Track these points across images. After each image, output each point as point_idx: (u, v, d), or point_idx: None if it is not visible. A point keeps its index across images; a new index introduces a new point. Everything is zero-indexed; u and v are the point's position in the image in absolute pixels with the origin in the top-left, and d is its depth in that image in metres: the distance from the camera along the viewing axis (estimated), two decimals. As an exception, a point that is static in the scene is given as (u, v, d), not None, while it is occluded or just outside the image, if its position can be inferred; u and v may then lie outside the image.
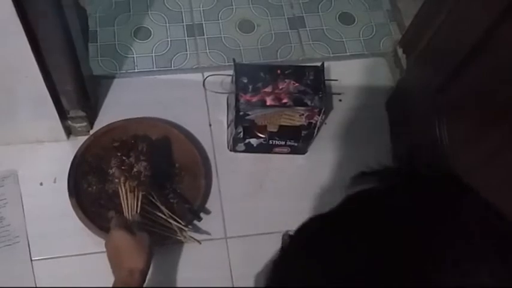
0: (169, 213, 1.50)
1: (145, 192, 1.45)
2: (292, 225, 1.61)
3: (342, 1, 2.07)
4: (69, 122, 1.64)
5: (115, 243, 1.28)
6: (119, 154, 1.50)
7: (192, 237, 1.51)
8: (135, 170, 1.46)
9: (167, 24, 1.95)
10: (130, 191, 1.42)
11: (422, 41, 1.70)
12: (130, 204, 1.40)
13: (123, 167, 1.47)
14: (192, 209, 1.56)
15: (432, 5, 1.65)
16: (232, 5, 2.01)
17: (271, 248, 1.56)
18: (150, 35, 1.92)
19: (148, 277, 1.46)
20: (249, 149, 1.69)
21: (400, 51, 1.85)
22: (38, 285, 1.49)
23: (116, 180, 1.46)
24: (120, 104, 1.75)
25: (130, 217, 1.39)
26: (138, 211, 1.40)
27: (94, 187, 1.56)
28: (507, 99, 1.36)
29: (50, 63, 1.40)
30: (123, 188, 1.43)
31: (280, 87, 1.55)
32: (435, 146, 1.57)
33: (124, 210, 1.40)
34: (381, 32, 2.01)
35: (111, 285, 1.22)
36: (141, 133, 1.62)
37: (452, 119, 1.60)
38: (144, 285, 1.47)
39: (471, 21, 1.47)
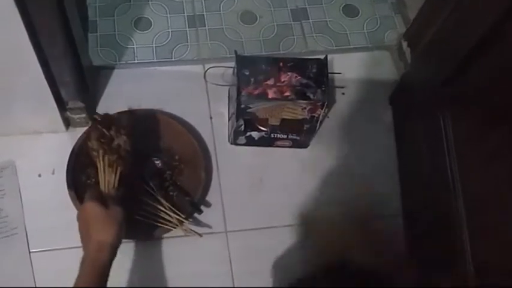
0: (169, 206, 1.50)
1: (124, 168, 1.39)
2: (292, 219, 1.61)
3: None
4: (68, 113, 1.63)
5: (85, 215, 1.25)
6: (99, 127, 1.43)
7: (192, 230, 1.50)
8: (114, 143, 1.40)
9: (168, 15, 1.93)
10: (108, 166, 1.37)
11: (427, 34, 1.68)
12: (107, 179, 1.36)
13: (102, 140, 1.40)
14: (192, 202, 1.55)
15: (438, -2, 1.62)
16: (234, -4, 1.99)
17: (271, 242, 1.58)
18: (151, 26, 1.90)
19: (146, 270, 1.45)
20: (250, 142, 1.67)
21: (404, 44, 1.82)
22: (36, 277, 1.48)
23: (95, 153, 1.40)
24: (120, 95, 1.73)
25: (106, 191, 1.35)
26: (116, 186, 1.36)
27: (93, 179, 1.54)
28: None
29: (49, 53, 1.38)
30: (101, 162, 1.38)
31: (283, 80, 1.53)
32: (439, 142, 1.55)
33: (101, 184, 1.36)
34: (385, 25, 1.98)
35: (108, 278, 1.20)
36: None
37: (457, 115, 1.58)
38: (140, 279, 1.46)
39: (477, 14, 1.45)
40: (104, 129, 1.42)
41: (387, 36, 1.95)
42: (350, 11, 2.01)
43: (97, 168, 1.42)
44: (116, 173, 1.37)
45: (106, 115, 1.47)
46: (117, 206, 1.28)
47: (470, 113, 1.51)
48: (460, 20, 1.52)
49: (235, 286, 1.51)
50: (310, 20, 1.97)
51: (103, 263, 1.19)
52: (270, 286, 1.51)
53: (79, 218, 1.28)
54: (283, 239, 1.58)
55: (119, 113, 1.55)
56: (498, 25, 1.38)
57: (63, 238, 1.51)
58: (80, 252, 1.34)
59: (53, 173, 1.60)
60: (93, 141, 1.42)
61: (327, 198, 1.64)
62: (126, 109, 1.62)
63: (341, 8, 2.01)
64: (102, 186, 1.36)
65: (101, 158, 1.38)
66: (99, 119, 1.44)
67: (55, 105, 1.55)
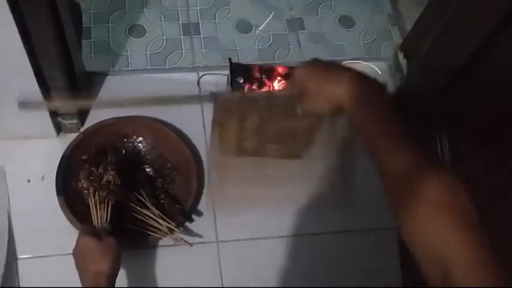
0: (160, 214, 1.48)
1: (115, 200, 1.44)
2: (284, 230, 1.59)
3: (342, 4, 2.04)
4: (60, 118, 1.61)
5: (80, 250, 1.27)
6: (87, 166, 1.49)
7: (183, 239, 1.48)
8: (104, 180, 1.45)
9: (163, 23, 1.91)
10: (100, 202, 1.42)
11: (423, 46, 1.68)
12: (100, 214, 1.40)
13: (91, 178, 1.46)
14: (184, 210, 1.53)
15: (434, 10, 1.62)
16: (229, 5, 1.98)
17: (263, 253, 1.55)
18: (145, 33, 1.88)
19: (136, 279, 1.43)
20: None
21: (401, 56, 1.81)
22: (21, 284, 1.46)
23: (85, 191, 1.46)
24: (113, 102, 1.71)
25: (99, 226, 1.38)
26: (108, 220, 1.40)
27: (83, 185, 1.50)
28: (509, 107, 1.34)
29: (41, 58, 1.38)
30: (92, 199, 1.42)
31: (277, 88, 1.52)
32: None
33: (93, 219, 1.40)
34: (381, 36, 1.97)
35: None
36: (131, 132, 1.61)
37: (453, 127, 1.57)
38: (129, 284, 1.44)
39: (473, 27, 1.45)
40: (92, 168, 1.47)
41: (383, 48, 1.95)
42: (346, 22, 2.00)
43: (86, 177, 1.47)
44: (107, 208, 1.41)
45: (91, 154, 1.51)
46: (111, 237, 1.30)
47: (467, 126, 1.50)
48: (456, 32, 1.51)
49: (225, 297, 1.50)
50: (306, 31, 1.96)
51: None
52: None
53: (74, 254, 1.29)
54: (276, 250, 1.56)
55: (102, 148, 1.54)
56: (492, 37, 1.38)
57: (51, 245, 1.49)
58: (68, 260, 1.33)
59: (43, 179, 1.58)
60: (83, 180, 1.48)
61: (320, 209, 1.62)
62: (119, 116, 1.60)
63: (337, 18, 2.00)
64: (94, 222, 1.40)
65: (91, 196, 1.43)
66: (85, 158, 1.51)
67: (46, 110, 1.53)
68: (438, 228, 0.69)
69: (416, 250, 0.71)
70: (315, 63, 0.93)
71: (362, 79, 0.87)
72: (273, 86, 1.55)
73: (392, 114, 0.83)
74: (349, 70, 0.88)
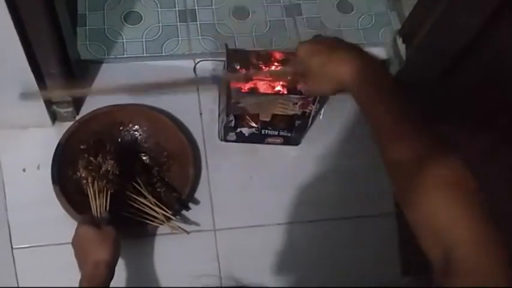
0: (156, 202, 1.47)
1: (114, 189, 1.43)
2: (282, 218, 1.59)
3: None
4: (55, 107, 1.60)
5: (79, 239, 1.27)
6: (85, 156, 1.47)
7: (180, 227, 1.47)
8: (103, 169, 1.44)
9: (159, 9, 1.89)
10: (99, 191, 1.40)
11: (422, 31, 1.66)
12: (99, 204, 1.39)
13: (90, 167, 1.45)
14: (180, 199, 1.52)
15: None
16: (227, -9, 1.95)
17: (261, 241, 1.55)
18: (141, 20, 1.86)
19: (133, 268, 1.42)
20: (241, 138, 1.64)
21: (399, 41, 1.79)
22: (18, 274, 1.45)
23: (84, 181, 1.45)
24: (108, 90, 1.69)
25: (98, 215, 1.37)
26: (107, 209, 1.39)
27: (78, 174, 1.50)
28: (507, 94, 1.33)
29: (35, 45, 1.36)
30: (91, 189, 1.41)
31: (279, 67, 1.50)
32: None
33: (92, 209, 1.39)
34: (380, 22, 1.95)
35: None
36: (127, 120, 1.59)
37: (451, 114, 1.56)
38: (127, 277, 1.43)
39: (471, 10, 1.43)
40: (90, 157, 1.46)
41: (382, 33, 1.92)
42: (344, 7, 1.98)
43: (84, 167, 1.46)
44: (106, 197, 1.40)
45: (90, 144, 1.50)
46: (110, 226, 1.30)
47: (465, 112, 1.49)
48: (455, 17, 1.50)
49: (223, 285, 1.48)
50: (304, 16, 1.93)
51: (100, 281, 1.19)
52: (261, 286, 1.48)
53: (74, 244, 1.28)
54: (273, 238, 1.55)
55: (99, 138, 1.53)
56: (492, 22, 1.37)
57: (47, 235, 1.49)
58: (64, 249, 1.32)
59: (38, 168, 1.57)
60: (82, 169, 1.47)
61: (318, 197, 1.61)
62: (114, 104, 1.59)
63: (335, 4, 1.98)
64: (93, 211, 1.39)
65: (90, 185, 1.42)
66: (83, 148, 1.50)
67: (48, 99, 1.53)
68: (445, 207, 0.69)
69: (421, 231, 0.71)
70: (319, 40, 0.91)
71: (365, 59, 0.86)
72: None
73: (396, 95, 0.82)
74: (353, 49, 0.88)
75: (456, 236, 0.67)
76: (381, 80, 0.85)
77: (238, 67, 1.51)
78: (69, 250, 1.29)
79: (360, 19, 1.95)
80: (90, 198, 1.40)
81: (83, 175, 1.46)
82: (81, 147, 1.51)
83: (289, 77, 1.37)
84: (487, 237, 0.66)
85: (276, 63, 1.51)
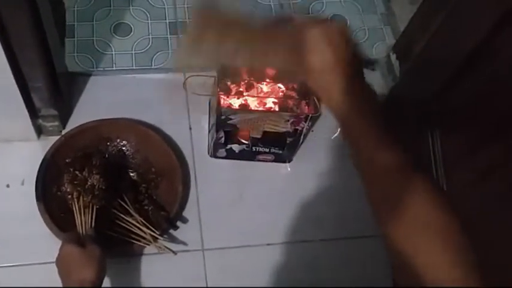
0: (143, 221, 1.43)
1: (100, 205, 1.41)
2: (273, 238, 1.56)
3: (334, 3, 1.99)
4: (40, 120, 1.56)
5: (63, 258, 1.26)
6: (71, 170, 1.46)
7: (167, 247, 1.44)
8: (88, 184, 1.42)
9: (149, 21, 1.86)
10: (84, 207, 1.38)
11: (417, 47, 1.64)
12: (84, 220, 1.37)
13: (75, 182, 1.43)
14: (168, 217, 1.48)
15: (428, 10, 1.58)
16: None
17: (250, 261, 1.51)
18: (131, 32, 1.83)
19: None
20: (231, 155, 1.61)
21: (393, 57, 1.77)
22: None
23: (69, 196, 1.43)
24: (96, 103, 1.67)
25: (83, 232, 1.35)
26: (93, 226, 1.37)
27: (63, 190, 1.49)
28: (503, 111, 1.31)
29: (21, 57, 1.33)
30: (76, 204, 1.39)
31: (265, 90, 1.48)
32: (427, 159, 1.51)
33: (77, 225, 1.37)
34: (374, 37, 1.93)
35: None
36: (114, 135, 1.56)
37: (446, 132, 1.54)
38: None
39: (467, 28, 1.42)
40: (76, 171, 1.45)
41: (376, 48, 1.90)
42: (337, 21, 1.95)
43: (69, 181, 1.45)
44: (91, 213, 1.38)
45: (75, 158, 1.48)
46: (95, 244, 1.28)
47: (461, 130, 1.47)
48: (451, 33, 1.48)
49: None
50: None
51: None
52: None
53: (58, 263, 1.26)
54: (263, 259, 1.52)
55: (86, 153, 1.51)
56: (487, 39, 1.35)
57: (30, 253, 1.44)
58: (47, 268, 1.29)
59: (23, 184, 1.53)
60: (67, 184, 1.46)
61: (310, 216, 1.58)
62: (102, 118, 1.56)
63: (328, 18, 1.95)
64: (78, 227, 1.36)
65: (75, 201, 1.40)
66: (68, 162, 1.48)
67: (26, 112, 1.49)
68: (418, 245, 0.69)
69: (396, 257, 0.71)
70: (331, 38, 0.85)
71: (352, 74, 0.80)
72: (261, 89, 1.50)
73: (377, 110, 0.80)
74: (350, 67, 0.83)
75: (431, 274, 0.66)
76: (365, 95, 0.82)
77: (229, 83, 1.49)
78: (53, 269, 1.26)
79: (354, 34, 1.93)
80: (75, 214, 1.38)
81: (68, 190, 1.44)
82: (67, 160, 1.49)
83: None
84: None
85: (267, 80, 1.49)
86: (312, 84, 0.82)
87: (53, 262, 1.27)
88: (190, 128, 1.67)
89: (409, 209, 0.70)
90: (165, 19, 1.87)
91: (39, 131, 1.59)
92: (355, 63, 0.80)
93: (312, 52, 0.79)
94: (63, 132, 1.59)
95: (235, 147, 1.58)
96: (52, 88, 1.48)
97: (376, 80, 1.82)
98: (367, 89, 0.81)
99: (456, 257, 0.67)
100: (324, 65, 0.79)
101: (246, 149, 1.59)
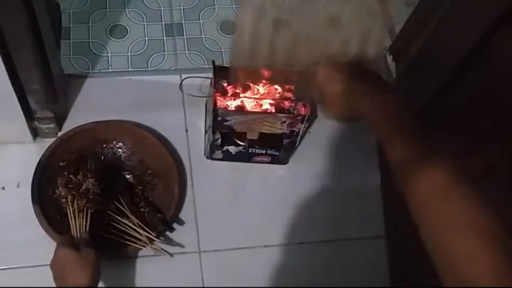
0: (139, 223, 1.43)
1: (95, 209, 1.40)
2: (270, 239, 1.56)
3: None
4: (36, 123, 1.56)
5: (58, 261, 1.25)
6: (65, 173, 1.45)
7: (163, 249, 1.43)
8: (83, 188, 1.41)
9: (145, 23, 1.86)
10: (78, 211, 1.37)
11: (413, 48, 1.64)
12: (78, 224, 1.36)
13: (70, 186, 1.43)
14: (164, 219, 1.48)
15: (424, 11, 1.58)
16: (214, 5, 1.92)
17: (247, 263, 1.51)
18: (127, 34, 1.83)
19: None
20: (227, 157, 1.61)
21: (389, 58, 1.77)
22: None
23: (63, 200, 1.43)
24: (92, 105, 1.66)
25: (78, 236, 1.35)
26: (87, 229, 1.36)
27: (59, 193, 1.47)
28: (500, 113, 1.31)
29: (16, 59, 1.32)
30: (70, 208, 1.38)
31: (262, 92, 1.47)
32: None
33: (72, 229, 1.36)
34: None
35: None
36: (110, 137, 1.55)
37: (443, 133, 1.54)
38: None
39: (462, 30, 1.41)
40: (70, 175, 1.44)
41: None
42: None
43: (64, 185, 1.44)
44: (86, 217, 1.37)
45: (70, 161, 1.48)
46: (89, 248, 1.28)
47: (456, 132, 1.47)
48: (447, 34, 1.48)
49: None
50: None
51: None
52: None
53: (52, 266, 1.26)
54: (261, 260, 1.51)
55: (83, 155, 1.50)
56: (483, 41, 1.35)
57: (26, 256, 1.44)
58: (44, 271, 1.28)
59: (18, 186, 1.52)
60: (61, 188, 1.45)
61: (307, 217, 1.58)
62: (98, 120, 1.56)
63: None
64: (73, 231, 1.36)
65: (70, 204, 1.39)
66: (63, 165, 1.47)
67: (22, 114, 1.48)
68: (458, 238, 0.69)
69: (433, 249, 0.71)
70: (340, 66, 0.90)
71: (385, 93, 0.86)
72: (258, 90, 1.50)
73: (407, 120, 0.83)
74: (374, 80, 0.89)
75: (474, 272, 0.65)
76: (400, 115, 0.85)
77: (225, 84, 1.48)
78: (48, 272, 1.26)
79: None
80: (70, 218, 1.37)
81: (63, 194, 1.44)
82: (61, 164, 1.48)
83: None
84: (506, 269, 0.64)
85: (264, 81, 1.49)
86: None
87: (48, 265, 1.27)
88: (186, 130, 1.67)
89: (450, 210, 0.71)
90: (161, 21, 1.87)
91: (35, 133, 1.59)
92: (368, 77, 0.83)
93: (326, 84, 0.90)
94: (59, 134, 1.58)
95: (232, 149, 1.58)
96: (48, 90, 1.47)
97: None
98: (399, 111, 0.85)
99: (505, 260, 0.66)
100: (339, 91, 0.89)
101: (242, 150, 1.58)
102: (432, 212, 0.73)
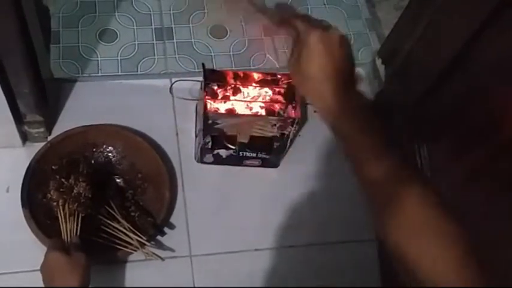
0: (130, 227, 1.42)
1: (86, 213, 1.39)
2: (261, 243, 1.56)
3: (319, 9, 2.00)
4: (26, 127, 1.55)
5: (48, 265, 1.25)
6: (57, 177, 1.44)
7: (154, 253, 1.42)
8: (74, 192, 1.40)
9: (135, 27, 1.85)
10: (69, 215, 1.37)
11: (401, 51, 1.64)
12: (69, 228, 1.35)
13: (61, 189, 1.42)
14: (155, 223, 1.47)
15: (412, 15, 1.59)
16: (204, 9, 1.92)
17: (238, 267, 1.50)
18: (116, 38, 1.82)
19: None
20: (218, 160, 1.60)
21: (378, 62, 1.78)
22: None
23: (54, 203, 1.42)
24: (82, 110, 1.65)
25: (68, 240, 1.34)
26: (78, 233, 1.35)
27: (49, 197, 1.46)
28: (486, 116, 1.31)
29: (6, 63, 1.31)
30: (62, 212, 1.37)
31: (252, 95, 1.48)
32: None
33: (62, 233, 1.35)
34: (359, 42, 1.93)
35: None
36: (100, 141, 1.55)
37: (431, 136, 1.54)
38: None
39: (452, 32, 1.42)
40: (62, 179, 1.42)
41: (361, 54, 1.90)
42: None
43: (56, 189, 1.43)
44: (77, 221, 1.36)
45: (62, 165, 1.47)
46: (80, 252, 1.28)
47: (445, 135, 1.47)
48: (435, 37, 1.48)
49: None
50: (282, 36, 1.91)
51: None
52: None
53: (42, 270, 1.26)
54: (252, 264, 1.51)
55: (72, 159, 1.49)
56: (468, 45, 1.35)
57: (15, 260, 1.43)
58: (33, 276, 1.28)
59: (7, 191, 1.52)
60: (53, 191, 1.43)
61: (298, 221, 1.58)
62: (88, 124, 1.55)
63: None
64: (63, 235, 1.35)
65: (61, 208, 1.38)
66: (55, 168, 1.46)
67: (11, 118, 1.47)
68: (413, 247, 0.69)
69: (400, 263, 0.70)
70: (334, 35, 0.84)
71: (350, 87, 0.81)
72: (248, 93, 1.50)
73: (371, 120, 0.79)
74: (345, 74, 0.81)
75: (438, 277, 0.66)
76: (359, 104, 0.82)
77: (215, 87, 1.48)
78: (38, 277, 1.25)
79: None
80: (60, 222, 1.36)
81: (54, 197, 1.43)
82: (53, 167, 1.47)
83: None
84: (470, 276, 0.65)
85: (254, 84, 1.49)
86: (304, 88, 0.83)
87: (38, 270, 1.26)
88: (177, 134, 1.67)
89: (406, 210, 0.70)
90: (151, 25, 1.87)
91: (25, 138, 1.58)
92: (350, 71, 0.81)
93: (309, 58, 0.79)
94: (49, 138, 1.57)
95: (223, 152, 1.58)
96: (38, 94, 1.47)
97: (362, 85, 1.83)
98: (359, 96, 0.81)
99: (463, 256, 0.67)
100: (320, 73, 0.79)
101: (233, 154, 1.58)
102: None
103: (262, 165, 1.63)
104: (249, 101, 1.47)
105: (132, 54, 1.80)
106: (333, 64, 0.78)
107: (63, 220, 1.36)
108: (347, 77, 0.79)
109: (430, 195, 0.71)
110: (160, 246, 1.48)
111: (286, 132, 1.50)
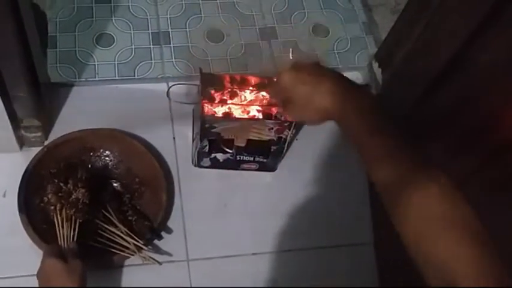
0: (127, 231, 1.42)
1: (83, 219, 1.39)
2: (258, 247, 1.55)
3: (316, 12, 2.00)
4: (23, 131, 1.54)
5: (45, 271, 1.24)
6: (55, 181, 1.43)
7: (152, 258, 1.42)
8: (72, 197, 1.40)
9: (132, 31, 1.85)
10: (66, 220, 1.36)
11: (398, 55, 1.65)
12: (66, 233, 1.35)
13: (59, 194, 1.41)
14: (152, 227, 1.47)
15: (409, 18, 1.59)
16: (200, 14, 1.93)
17: (235, 271, 1.50)
18: (113, 42, 1.82)
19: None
20: (215, 164, 1.60)
21: (375, 65, 1.78)
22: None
23: (52, 207, 1.41)
24: (79, 114, 1.65)
25: (65, 246, 1.33)
26: (75, 239, 1.35)
27: (46, 202, 1.46)
28: (482, 118, 1.31)
29: (3, 67, 1.31)
30: (58, 217, 1.37)
31: (249, 99, 1.48)
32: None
33: (59, 239, 1.35)
34: (356, 46, 1.94)
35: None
36: (97, 145, 1.55)
37: (427, 140, 1.55)
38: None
39: (449, 35, 1.42)
40: (60, 183, 1.42)
41: (358, 57, 1.91)
42: (320, 31, 1.96)
43: (54, 193, 1.41)
44: (74, 227, 1.36)
45: (60, 169, 1.46)
46: (77, 259, 1.27)
47: (441, 136, 1.48)
48: (431, 41, 1.49)
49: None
50: (279, 39, 1.91)
51: None
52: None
53: (39, 276, 1.25)
54: (249, 268, 1.51)
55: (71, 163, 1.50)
56: (464, 49, 1.36)
57: (12, 265, 1.42)
58: (30, 281, 1.27)
59: (4, 196, 1.51)
60: (51, 195, 1.42)
61: (295, 225, 1.57)
62: (85, 128, 1.55)
63: (311, 27, 1.96)
64: (60, 241, 1.34)
65: (58, 213, 1.37)
66: (53, 172, 1.45)
67: (8, 123, 1.47)
68: (443, 239, 0.69)
69: (418, 257, 0.71)
70: (300, 67, 0.91)
71: (346, 89, 0.86)
72: (245, 96, 1.50)
73: (380, 122, 0.82)
74: (335, 77, 0.88)
75: (458, 272, 0.66)
76: (364, 107, 0.85)
77: (212, 91, 1.48)
78: (35, 282, 1.25)
79: (336, 43, 1.93)
80: (57, 227, 1.36)
81: (52, 201, 1.42)
82: (51, 171, 1.46)
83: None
84: (490, 273, 0.65)
85: (251, 88, 1.49)
86: (309, 114, 0.90)
87: (35, 275, 1.26)
88: (174, 138, 1.66)
89: (421, 203, 0.72)
90: (148, 29, 1.87)
91: (22, 142, 1.57)
92: (339, 75, 0.84)
93: (290, 88, 0.88)
94: (46, 143, 1.57)
95: (220, 156, 1.58)
96: (35, 98, 1.46)
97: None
98: (361, 102, 0.84)
99: (479, 249, 0.67)
100: (311, 90, 0.86)
101: (230, 158, 1.58)
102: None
103: (260, 169, 1.63)
104: (246, 104, 1.47)
105: (129, 59, 1.80)
106: (314, 78, 0.86)
107: (60, 225, 1.36)
108: (337, 81, 0.83)
109: (447, 196, 0.72)
110: (158, 250, 1.48)
111: (284, 136, 1.50)
